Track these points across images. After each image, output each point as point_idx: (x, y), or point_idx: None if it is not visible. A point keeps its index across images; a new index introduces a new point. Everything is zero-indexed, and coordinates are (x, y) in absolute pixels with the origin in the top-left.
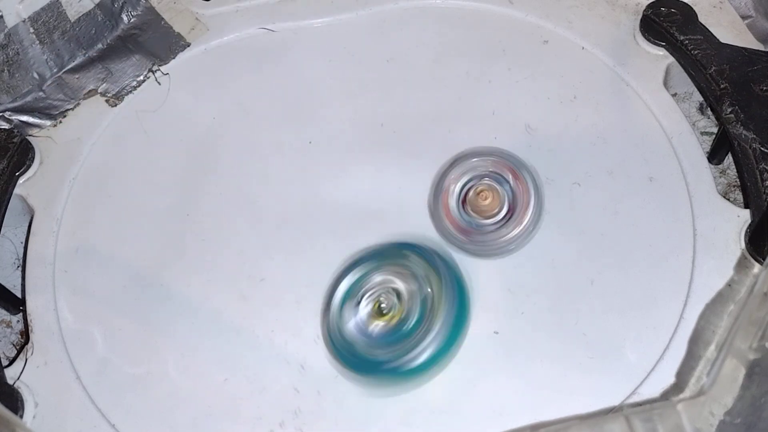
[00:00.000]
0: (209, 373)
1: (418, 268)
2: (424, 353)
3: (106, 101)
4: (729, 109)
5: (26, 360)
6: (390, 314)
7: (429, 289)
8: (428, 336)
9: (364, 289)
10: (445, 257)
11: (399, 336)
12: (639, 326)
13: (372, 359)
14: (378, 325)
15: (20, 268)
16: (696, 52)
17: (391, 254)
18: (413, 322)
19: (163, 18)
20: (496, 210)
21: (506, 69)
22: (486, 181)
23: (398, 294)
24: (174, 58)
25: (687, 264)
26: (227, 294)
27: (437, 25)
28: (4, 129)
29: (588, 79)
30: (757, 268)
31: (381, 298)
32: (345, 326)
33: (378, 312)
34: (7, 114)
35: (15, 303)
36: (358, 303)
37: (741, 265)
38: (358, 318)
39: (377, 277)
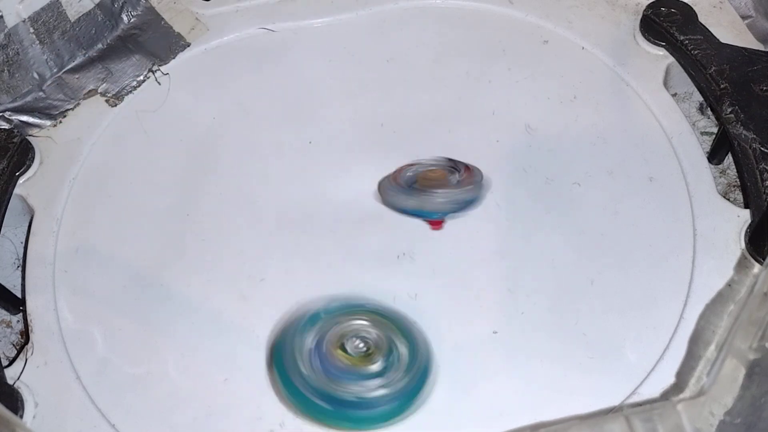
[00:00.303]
0: (209, 373)
1: (402, 348)
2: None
3: (106, 101)
4: (729, 109)
5: (26, 360)
6: (350, 356)
7: (398, 366)
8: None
9: (348, 322)
10: (429, 347)
11: (346, 375)
12: (639, 326)
13: (308, 380)
14: (333, 356)
15: (20, 268)
16: (696, 52)
17: (389, 319)
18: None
19: (163, 18)
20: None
21: (506, 69)
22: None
23: (368, 346)
24: (174, 58)
25: (687, 264)
26: (227, 294)
27: (437, 25)
28: (4, 129)
29: (588, 79)
30: (757, 268)
31: (355, 340)
32: (305, 334)
33: (341, 346)
34: (7, 114)
35: (15, 303)
36: (332, 326)
37: (741, 265)
38: (325, 333)
39: (366, 323)
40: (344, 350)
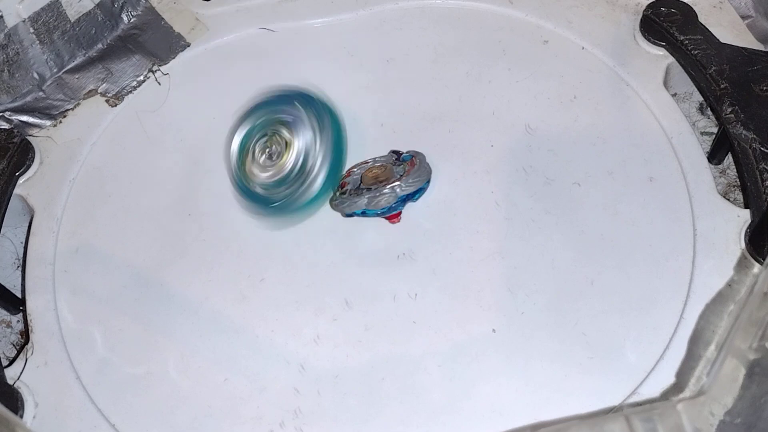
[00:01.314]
0: (209, 373)
1: (303, 116)
2: (309, 191)
3: (106, 101)
4: (729, 109)
5: (26, 360)
6: (280, 161)
7: (311, 135)
8: (310, 177)
9: (256, 138)
10: (327, 104)
11: (288, 179)
12: (639, 326)
13: (268, 199)
14: (270, 171)
15: (20, 268)
16: (696, 52)
17: (280, 103)
18: (299, 166)
19: (163, 18)
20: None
21: (506, 69)
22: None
23: (286, 142)
24: (174, 58)
25: (687, 264)
26: (227, 294)
27: (437, 25)
28: (4, 129)
29: (588, 79)
30: (757, 268)
31: (271, 147)
32: (245, 176)
33: (269, 159)
34: (7, 114)
35: (15, 303)
36: (253, 155)
37: (741, 265)
38: (254, 167)
39: (266, 129)
40: (272, 159)
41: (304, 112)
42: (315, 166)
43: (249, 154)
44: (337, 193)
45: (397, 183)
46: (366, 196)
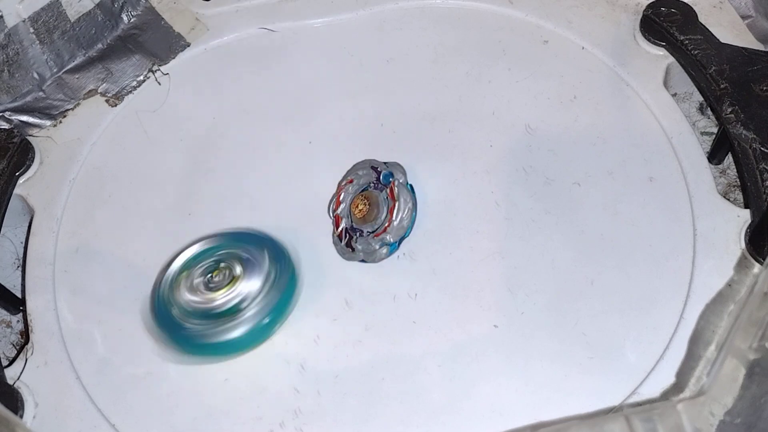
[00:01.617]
0: (209, 373)
1: (263, 262)
2: (232, 332)
3: (106, 101)
4: (729, 109)
5: (26, 360)
6: (217, 291)
7: (260, 285)
8: (231, 323)
9: (205, 262)
10: (290, 256)
11: (216, 313)
12: (639, 326)
13: (180, 324)
14: (198, 298)
15: (20, 268)
16: (696, 52)
17: (245, 241)
18: (228, 307)
19: (163, 18)
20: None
21: (506, 69)
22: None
23: (233, 277)
24: (174, 58)
25: (687, 264)
26: None
27: (437, 25)
28: (4, 129)
29: (588, 79)
30: (757, 268)
31: (215, 274)
32: (174, 289)
33: (206, 285)
34: (7, 114)
35: (15, 303)
36: (192, 275)
37: (741, 265)
38: (188, 284)
39: (221, 257)
40: (209, 287)
41: (268, 262)
42: (242, 316)
43: (188, 272)
44: (338, 241)
45: (384, 234)
46: (360, 249)
